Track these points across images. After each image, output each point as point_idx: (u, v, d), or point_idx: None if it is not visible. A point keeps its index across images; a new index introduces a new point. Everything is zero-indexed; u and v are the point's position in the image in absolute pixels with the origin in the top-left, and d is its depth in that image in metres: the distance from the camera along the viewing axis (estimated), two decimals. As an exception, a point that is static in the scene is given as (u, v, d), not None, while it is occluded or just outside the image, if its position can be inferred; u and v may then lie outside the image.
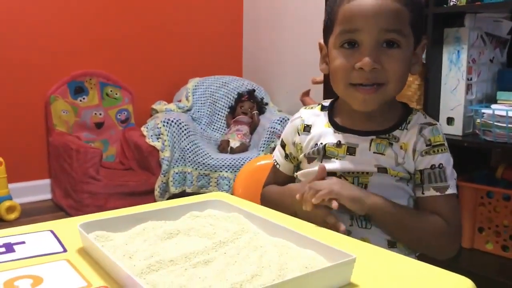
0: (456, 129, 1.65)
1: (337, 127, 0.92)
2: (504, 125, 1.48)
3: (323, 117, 0.95)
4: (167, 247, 0.66)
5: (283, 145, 1.01)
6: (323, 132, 0.93)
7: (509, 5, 1.56)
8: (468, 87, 1.64)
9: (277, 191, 1.00)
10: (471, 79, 1.64)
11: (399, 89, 0.87)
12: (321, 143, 0.92)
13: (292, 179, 1.01)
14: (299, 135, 0.96)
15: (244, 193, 1.13)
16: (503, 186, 1.69)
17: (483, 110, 1.55)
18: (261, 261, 0.61)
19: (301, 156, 0.95)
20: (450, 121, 1.67)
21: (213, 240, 0.69)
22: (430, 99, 1.67)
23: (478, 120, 1.56)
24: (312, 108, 0.99)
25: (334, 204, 0.80)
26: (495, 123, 1.50)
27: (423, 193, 0.87)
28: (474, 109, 1.60)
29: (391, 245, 0.88)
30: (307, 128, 0.95)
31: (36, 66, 2.81)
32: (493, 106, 1.56)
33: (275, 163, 1.03)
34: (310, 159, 0.93)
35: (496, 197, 1.66)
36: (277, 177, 1.04)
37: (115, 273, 0.58)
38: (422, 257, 0.90)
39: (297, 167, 1.00)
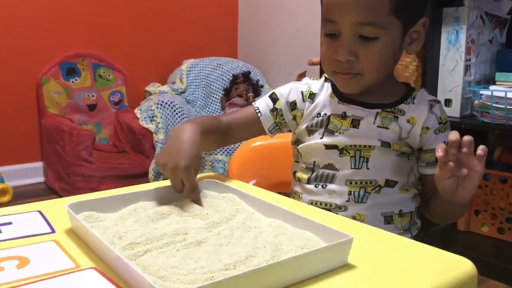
0: (454, 111, 1.63)
1: (341, 98, 0.91)
2: (503, 106, 1.47)
3: (327, 87, 0.94)
4: (158, 228, 0.64)
5: (274, 98, 0.95)
6: (327, 101, 0.92)
7: (509, -16, 1.54)
8: (467, 68, 1.62)
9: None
10: (469, 60, 1.62)
11: (378, 77, 0.86)
12: (325, 114, 0.90)
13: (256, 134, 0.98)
14: (303, 100, 0.94)
15: (239, 175, 1.11)
16: (500, 168, 1.68)
17: (482, 91, 1.53)
18: (255, 242, 0.59)
19: (303, 127, 0.93)
20: (448, 102, 1.65)
21: (207, 220, 0.67)
22: (428, 80, 1.65)
23: (476, 102, 1.54)
24: (317, 79, 0.98)
25: (464, 171, 0.74)
26: (494, 105, 1.49)
27: None
28: (472, 90, 1.58)
29: (387, 221, 0.87)
30: (312, 96, 0.93)
31: (27, 46, 2.76)
32: (492, 87, 1.55)
33: (256, 111, 0.95)
34: (310, 132, 0.92)
35: (493, 179, 1.65)
36: (240, 121, 0.96)
37: (104, 254, 0.56)
38: (418, 238, 0.89)
39: (297, 140, 0.96)
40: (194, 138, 0.79)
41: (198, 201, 0.73)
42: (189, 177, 0.73)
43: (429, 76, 1.65)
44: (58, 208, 0.72)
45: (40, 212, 0.73)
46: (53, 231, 0.66)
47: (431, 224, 0.95)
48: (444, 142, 0.87)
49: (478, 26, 1.61)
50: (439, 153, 0.73)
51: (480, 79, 1.67)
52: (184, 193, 0.75)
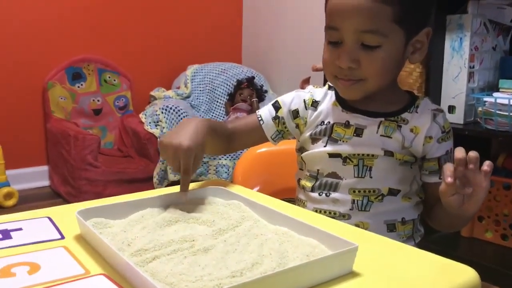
0: (458, 118, 1.64)
1: (345, 106, 0.91)
2: (506, 113, 1.47)
3: (331, 95, 0.94)
4: (166, 235, 0.65)
5: (277, 106, 0.96)
6: (330, 110, 0.92)
7: (513, -8, 1.54)
8: (470, 75, 1.63)
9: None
10: (473, 67, 1.63)
11: (380, 84, 0.86)
12: (329, 122, 0.91)
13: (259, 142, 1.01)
14: (306, 108, 0.94)
15: (244, 181, 1.12)
16: (504, 175, 1.68)
17: (485, 98, 1.54)
18: (261, 249, 0.60)
19: (307, 135, 0.93)
20: (451, 109, 1.66)
21: (213, 227, 0.68)
22: (431, 87, 1.66)
23: (480, 109, 1.55)
24: (320, 87, 0.98)
25: (469, 190, 0.75)
26: (497, 112, 1.49)
27: (440, 178, 0.88)
28: (476, 97, 1.59)
29: (390, 229, 0.88)
30: (314, 104, 0.94)
31: (34, 51, 2.78)
32: (495, 94, 1.55)
33: (259, 118, 0.96)
34: (314, 140, 0.92)
35: (497, 186, 1.65)
36: (244, 127, 0.98)
37: (113, 261, 0.57)
38: (421, 244, 0.90)
39: (301, 148, 0.97)
40: (201, 128, 0.82)
41: (184, 186, 0.77)
42: (187, 158, 0.76)
43: (432, 82, 1.66)
44: (67, 214, 0.74)
45: (49, 218, 0.75)
46: (62, 237, 0.67)
47: (433, 229, 0.96)
48: (447, 151, 0.88)
49: (481, 33, 1.62)
50: (449, 179, 0.72)
51: (484, 86, 1.68)
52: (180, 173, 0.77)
